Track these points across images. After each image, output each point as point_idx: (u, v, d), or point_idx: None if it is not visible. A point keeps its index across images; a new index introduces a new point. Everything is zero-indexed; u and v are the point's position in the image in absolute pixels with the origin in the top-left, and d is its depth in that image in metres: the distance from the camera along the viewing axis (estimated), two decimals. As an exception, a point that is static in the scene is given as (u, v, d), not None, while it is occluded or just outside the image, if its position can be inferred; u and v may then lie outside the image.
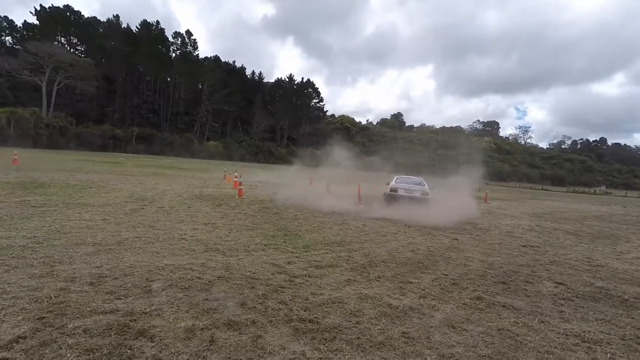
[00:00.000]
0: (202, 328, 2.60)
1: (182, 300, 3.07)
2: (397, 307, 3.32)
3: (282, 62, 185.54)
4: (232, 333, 2.59)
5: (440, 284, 4.15)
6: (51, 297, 2.89)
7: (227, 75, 73.51)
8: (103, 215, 6.48)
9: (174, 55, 72.84)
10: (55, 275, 3.38)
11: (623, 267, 5.71)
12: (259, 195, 11.99)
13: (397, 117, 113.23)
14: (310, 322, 2.86)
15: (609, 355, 2.73)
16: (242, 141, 69.76)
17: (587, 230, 10.06)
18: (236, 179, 12.76)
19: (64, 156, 28.70)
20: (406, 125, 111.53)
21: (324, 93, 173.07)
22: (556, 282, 4.56)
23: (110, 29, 66.65)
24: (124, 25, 68.65)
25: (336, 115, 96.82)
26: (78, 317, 2.61)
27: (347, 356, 2.41)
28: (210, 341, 2.43)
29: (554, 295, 4.07)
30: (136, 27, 68.87)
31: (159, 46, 69.89)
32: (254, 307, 3.07)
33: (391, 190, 10.91)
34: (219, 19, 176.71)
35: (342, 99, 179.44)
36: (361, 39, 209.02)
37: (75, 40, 66.38)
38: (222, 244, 5.20)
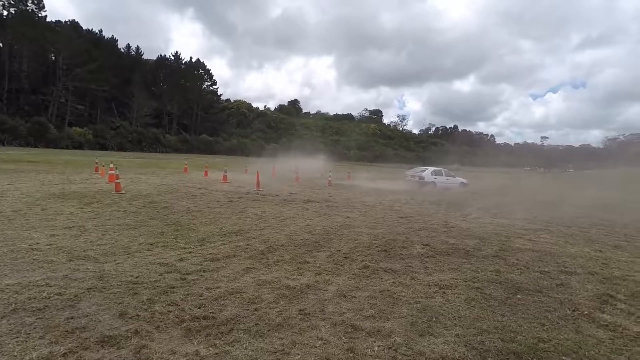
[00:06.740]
0: (65, 353, 2.16)
1: (34, 325, 2.47)
2: (295, 288, 3.46)
3: (179, 37, 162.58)
4: (109, 350, 2.23)
5: (334, 260, 4.50)
6: None
7: (92, 47, 60.33)
8: None
9: (5, 13, 55.45)
10: None
11: (467, 226, 7.35)
12: (142, 189, 10.51)
13: (294, 103, 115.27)
14: (204, 319, 2.71)
15: (456, 295, 3.49)
16: (119, 127, 59.18)
17: (445, 200, 12.51)
18: (112, 172, 10.85)
19: None
20: (303, 112, 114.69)
21: (227, 76, 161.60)
22: (423, 244, 5.54)
23: None
24: None
25: (234, 100, 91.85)
26: None
27: (244, 345, 2.39)
28: (76, 366, 2.04)
29: (422, 255, 4.94)
30: None
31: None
32: (137, 315, 2.72)
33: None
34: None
35: (246, 83, 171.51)
36: (267, 21, 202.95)
37: None
38: (94, 249, 4.39)
